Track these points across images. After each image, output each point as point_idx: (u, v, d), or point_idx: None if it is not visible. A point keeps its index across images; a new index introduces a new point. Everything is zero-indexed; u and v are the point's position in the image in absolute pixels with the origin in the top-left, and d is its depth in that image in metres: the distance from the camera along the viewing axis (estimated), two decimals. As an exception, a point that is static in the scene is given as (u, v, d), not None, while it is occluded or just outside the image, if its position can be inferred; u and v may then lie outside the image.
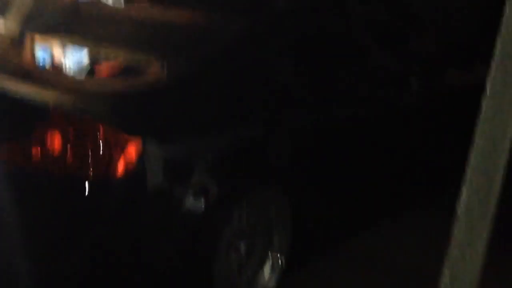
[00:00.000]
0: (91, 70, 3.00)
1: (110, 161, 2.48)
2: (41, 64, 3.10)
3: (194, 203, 2.74)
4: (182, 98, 2.85)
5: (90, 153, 2.48)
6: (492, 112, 2.15)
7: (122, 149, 2.48)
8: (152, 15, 3.43)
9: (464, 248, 2.38)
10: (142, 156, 2.52)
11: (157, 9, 3.47)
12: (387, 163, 3.91)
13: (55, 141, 2.46)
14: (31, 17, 3.52)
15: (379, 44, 3.92)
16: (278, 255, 3.22)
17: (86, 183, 2.49)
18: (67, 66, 3.04)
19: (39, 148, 2.47)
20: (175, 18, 3.37)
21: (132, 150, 2.49)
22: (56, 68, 3.08)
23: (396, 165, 4.01)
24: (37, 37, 3.24)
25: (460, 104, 4.16)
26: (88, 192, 2.50)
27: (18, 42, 3.26)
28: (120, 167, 2.48)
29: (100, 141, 2.48)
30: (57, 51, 3.12)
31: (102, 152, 2.48)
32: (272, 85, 3.26)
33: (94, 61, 3.04)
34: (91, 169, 2.48)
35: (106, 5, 3.50)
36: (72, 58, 3.05)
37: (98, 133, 2.49)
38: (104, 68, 3.00)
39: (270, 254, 3.21)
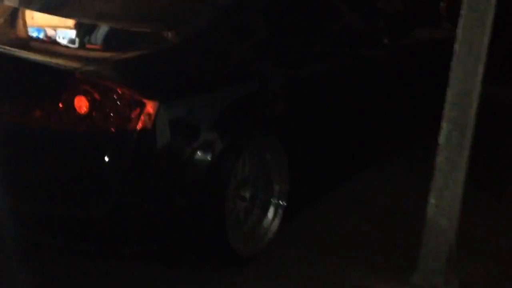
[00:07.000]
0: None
1: (128, 119, 2.75)
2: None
3: (202, 156, 3.02)
4: (188, 61, 3.14)
5: (111, 113, 2.76)
6: (464, 55, 2.42)
7: (139, 108, 2.75)
8: None
9: (446, 176, 2.66)
10: (157, 115, 2.79)
11: None
12: (370, 109, 4.29)
13: (82, 104, 2.73)
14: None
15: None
16: (279, 201, 3.54)
17: (108, 138, 2.77)
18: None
19: (67, 110, 2.74)
20: None
21: (148, 109, 2.77)
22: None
23: (377, 109, 4.40)
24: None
25: (422, 54, 4.83)
26: (110, 146, 2.79)
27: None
28: (138, 124, 2.75)
29: (119, 101, 2.76)
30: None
31: (121, 111, 2.76)
32: (262, 45, 3.56)
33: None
34: (112, 126, 2.76)
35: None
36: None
37: (117, 95, 2.77)
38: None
39: (271, 200, 3.53)
